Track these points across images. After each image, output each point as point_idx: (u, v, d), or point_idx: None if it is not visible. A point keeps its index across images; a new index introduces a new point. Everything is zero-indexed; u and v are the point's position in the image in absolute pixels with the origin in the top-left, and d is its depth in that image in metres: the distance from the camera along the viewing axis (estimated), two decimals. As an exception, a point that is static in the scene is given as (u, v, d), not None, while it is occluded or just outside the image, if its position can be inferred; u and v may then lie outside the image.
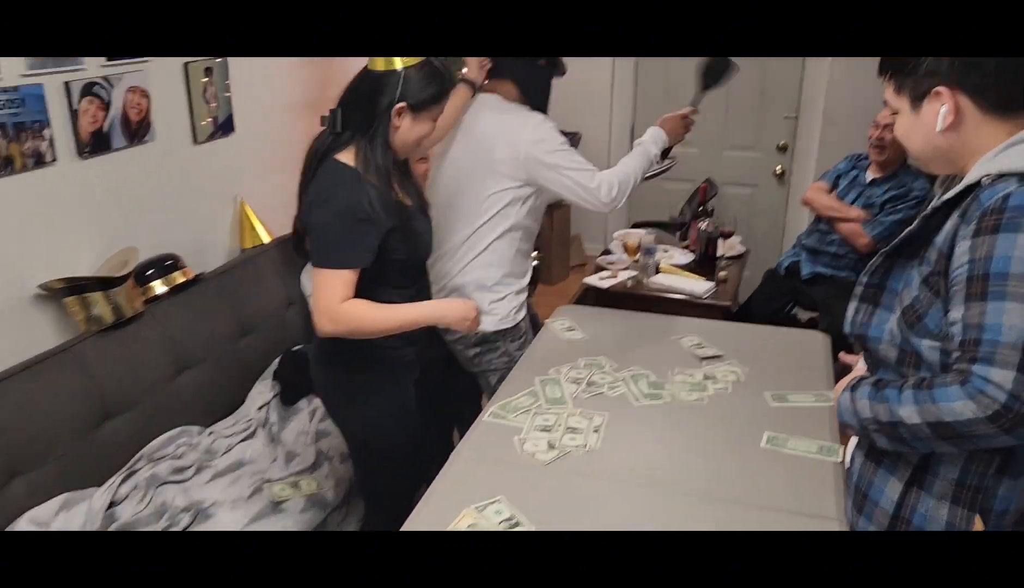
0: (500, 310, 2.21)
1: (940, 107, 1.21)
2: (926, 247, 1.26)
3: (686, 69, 4.34)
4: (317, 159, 1.77)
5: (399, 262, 1.81)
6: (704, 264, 3.35)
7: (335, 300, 1.71)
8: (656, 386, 1.95)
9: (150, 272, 2.48)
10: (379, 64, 1.71)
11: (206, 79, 2.74)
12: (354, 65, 3.50)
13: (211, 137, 2.79)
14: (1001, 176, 1.14)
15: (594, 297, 3.24)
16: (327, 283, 1.71)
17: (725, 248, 3.42)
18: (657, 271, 3.27)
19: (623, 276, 3.26)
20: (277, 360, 2.73)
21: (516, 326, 2.24)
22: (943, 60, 1.19)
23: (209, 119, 2.77)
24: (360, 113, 1.72)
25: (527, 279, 2.31)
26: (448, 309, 1.86)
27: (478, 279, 2.19)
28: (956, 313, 1.15)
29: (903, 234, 1.31)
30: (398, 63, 1.70)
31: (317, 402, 2.60)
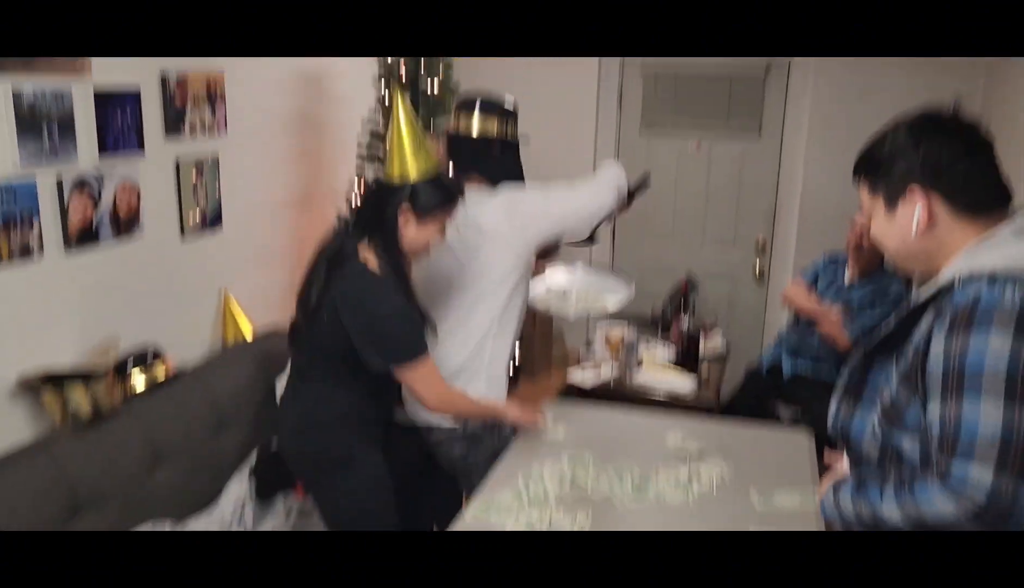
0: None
1: (915, 208, 1.25)
2: (904, 344, 1.29)
3: (664, 176, 4.47)
4: (330, 255, 1.91)
5: None
6: (686, 361, 3.37)
7: (439, 382, 1.95)
8: (641, 485, 1.93)
9: (131, 365, 2.45)
10: (394, 172, 1.88)
11: (196, 176, 2.78)
12: (343, 165, 3.56)
13: (198, 232, 2.81)
14: (972, 276, 1.18)
15: (577, 393, 3.23)
16: (423, 373, 1.91)
17: (707, 345, 3.45)
18: (639, 367, 3.28)
19: (606, 372, 3.27)
20: (254, 455, 2.67)
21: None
22: (915, 163, 1.24)
23: (197, 214, 2.81)
24: (370, 215, 1.91)
25: (508, 362, 2.33)
26: (512, 406, 2.11)
27: (467, 370, 2.20)
28: (934, 410, 1.17)
29: (881, 332, 1.33)
30: (412, 174, 1.86)
31: (294, 500, 2.54)
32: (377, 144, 3.30)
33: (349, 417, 1.96)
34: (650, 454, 2.11)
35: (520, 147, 2.33)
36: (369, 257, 1.90)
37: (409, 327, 1.91)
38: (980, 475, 1.09)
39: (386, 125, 3.27)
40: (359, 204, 2.00)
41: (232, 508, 2.47)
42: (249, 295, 3.07)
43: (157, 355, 2.53)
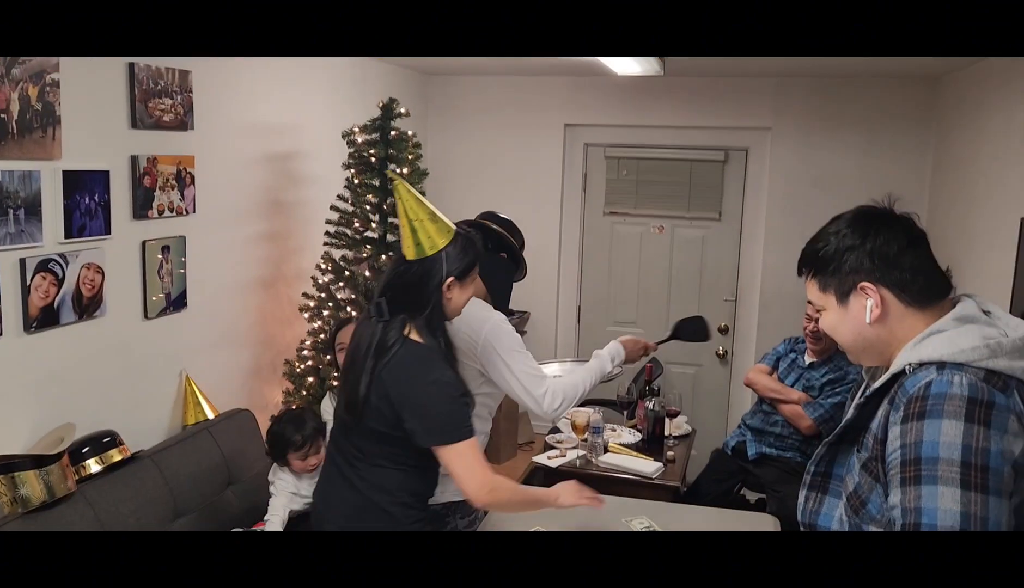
0: (450, 482, 2.17)
1: (866, 302, 1.29)
2: (863, 433, 1.31)
3: (627, 259, 4.56)
4: (376, 346, 1.85)
5: None
6: (652, 443, 3.38)
7: (485, 469, 1.83)
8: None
9: (86, 449, 2.39)
10: (411, 253, 1.86)
11: (162, 257, 2.78)
12: (310, 246, 3.56)
13: (162, 313, 2.79)
14: (922, 364, 1.21)
15: (543, 476, 3.21)
16: (469, 456, 1.81)
17: (672, 427, 3.46)
18: (606, 450, 3.27)
19: (572, 455, 3.25)
20: (212, 543, 2.59)
21: (463, 501, 2.21)
22: (864, 259, 1.28)
23: (161, 295, 2.79)
24: (411, 297, 1.87)
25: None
26: (564, 489, 1.98)
27: None
28: (894, 498, 1.18)
29: (842, 424, 1.36)
30: (440, 242, 1.86)
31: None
32: (345, 226, 3.34)
33: (407, 499, 1.91)
34: (616, 540, 2.10)
35: (516, 274, 2.44)
36: (413, 335, 1.87)
37: (456, 405, 1.84)
38: None
39: (354, 206, 3.31)
40: (390, 289, 1.91)
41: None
42: (212, 376, 3.03)
43: (114, 440, 2.47)
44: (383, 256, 3.29)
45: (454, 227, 1.92)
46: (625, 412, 3.71)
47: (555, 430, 3.58)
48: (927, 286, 1.28)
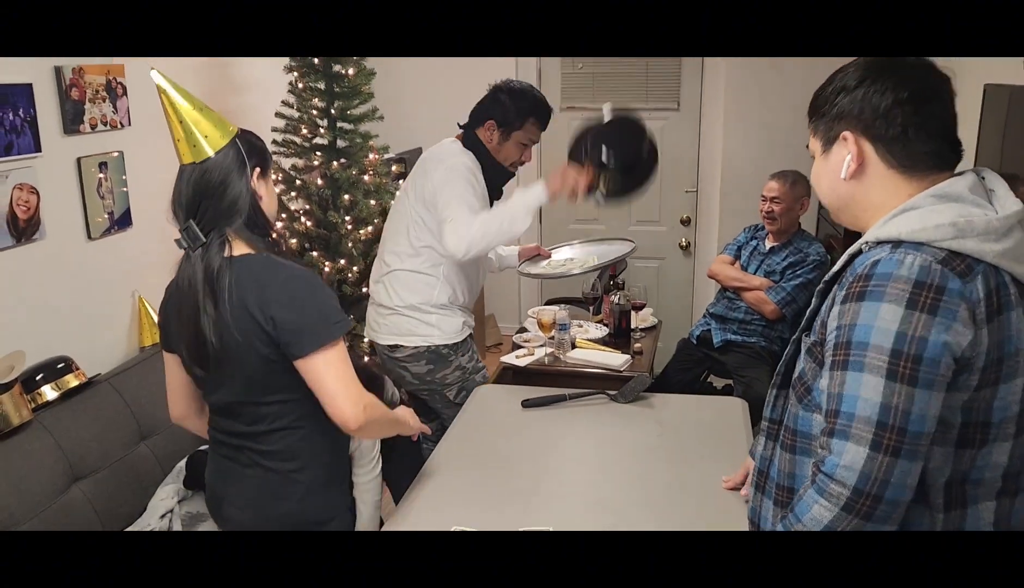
0: (447, 326, 2.42)
1: (846, 153, 1.17)
2: (816, 317, 1.23)
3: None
4: (205, 276, 1.49)
5: None
6: (619, 337, 3.38)
7: (357, 380, 1.47)
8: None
9: (40, 376, 2.31)
10: (189, 155, 1.50)
11: (101, 174, 2.64)
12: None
13: (106, 232, 2.67)
14: (880, 243, 1.11)
15: (511, 376, 3.20)
16: (340, 362, 1.45)
17: (638, 320, 3.47)
18: (573, 346, 3.27)
19: (539, 353, 3.24)
20: (183, 463, 2.56)
21: (464, 341, 2.48)
22: (854, 105, 1.15)
23: (105, 216, 2.66)
24: (223, 204, 1.49)
25: (471, 299, 2.55)
26: (403, 409, 1.77)
27: (412, 303, 2.41)
28: (823, 381, 1.12)
29: (806, 316, 1.27)
30: (224, 141, 1.51)
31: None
32: (292, 134, 3.20)
33: (323, 465, 1.58)
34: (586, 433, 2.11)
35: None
36: (240, 246, 1.52)
37: (323, 293, 1.51)
38: (852, 459, 1.03)
39: (300, 112, 3.17)
40: (194, 204, 1.50)
41: (159, 519, 2.36)
42: (166, 296, 2.94)
43: (68, 365, 2.40)
44: (335, 163, 3.18)
45: (230, 124, 1.56)
46: (591, 308, 3.70)
47: (522, 330, 3.57)
48: (919, 151, 1.13)
